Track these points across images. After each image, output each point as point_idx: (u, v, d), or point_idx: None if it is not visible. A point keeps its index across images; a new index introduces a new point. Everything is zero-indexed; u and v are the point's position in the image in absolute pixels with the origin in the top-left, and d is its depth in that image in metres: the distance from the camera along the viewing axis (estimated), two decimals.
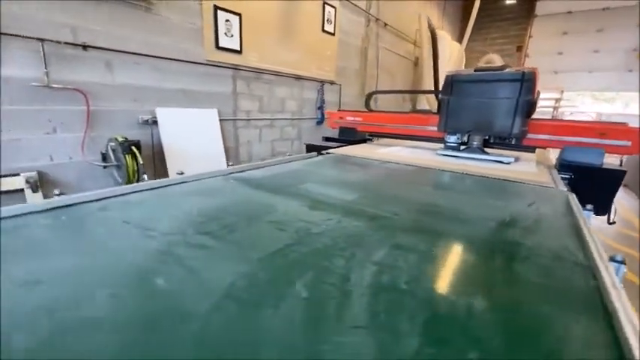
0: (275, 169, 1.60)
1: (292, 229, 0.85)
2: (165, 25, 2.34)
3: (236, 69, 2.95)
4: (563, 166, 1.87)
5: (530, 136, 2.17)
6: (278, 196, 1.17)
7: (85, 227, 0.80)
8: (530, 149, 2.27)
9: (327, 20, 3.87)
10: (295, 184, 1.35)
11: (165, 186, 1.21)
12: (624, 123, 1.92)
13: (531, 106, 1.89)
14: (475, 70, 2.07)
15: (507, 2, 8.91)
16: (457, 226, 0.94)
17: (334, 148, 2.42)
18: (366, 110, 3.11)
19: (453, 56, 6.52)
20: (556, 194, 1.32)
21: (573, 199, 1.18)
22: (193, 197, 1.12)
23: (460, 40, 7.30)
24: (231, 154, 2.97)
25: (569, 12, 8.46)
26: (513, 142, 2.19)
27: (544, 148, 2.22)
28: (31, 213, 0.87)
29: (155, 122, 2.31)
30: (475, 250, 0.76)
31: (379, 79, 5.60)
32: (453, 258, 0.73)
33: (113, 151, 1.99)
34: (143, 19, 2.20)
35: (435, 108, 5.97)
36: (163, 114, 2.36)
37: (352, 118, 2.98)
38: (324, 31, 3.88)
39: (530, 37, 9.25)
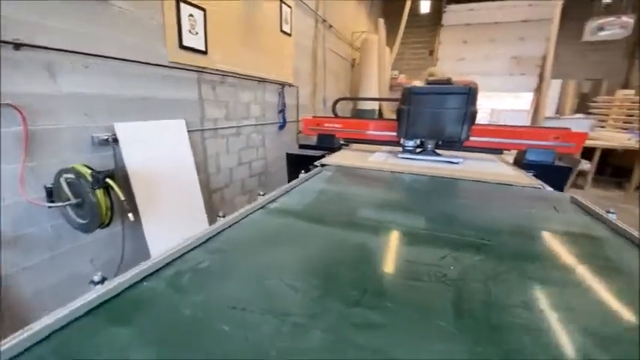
0: (303, 194, 1.48)
1: (426, 277, 0.80)
2: (122, 20, 1.85)
3: (201, 72, 2.56)
4: (526, 164, 2.24)
5: (501, 140, 2.50)
6: (353, 232, 1.09)
7: (198, 327, 0.58)
8: (497, 151, 2.61)
9: (285, 20, 3.68)
10: (348, 212, 1.27)
11: (214, 236, 1.00)
12: (568, 128, 2.38)
13: (474, 115, 2.19)
14: (428, 84, 2.30)
15: (422, 12, 9.99)
16: (545, 245, 1.01)
17: (319, 157, 2.36)
18: (334, 116, 3.10)
19: (384, 59, 7.01)
20: (558, 196, 1.54)
21: (585, 201, 1.39)
22: (269, 249, 0.96)
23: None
24: (200, 168, 2.59)
25: (468, 24, 9.96)
26: (460, 145, 2.45)
27: (508, 150, 2.57)
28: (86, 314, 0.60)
29: (116, 141, 1.82)
30: (598, 272, 0.82)
31: (326, 80, 5.65)
32: (596, 286, 0.77)
33: (69, 184, 1.49)
34: (94, 10, 1.69)
35: (383, 110, 6.30)
36: (124, 130, 1.88)
37: (331, 125, 2.94)
38: (282, 31, 3.68)
39: (439, 43, 10.59)
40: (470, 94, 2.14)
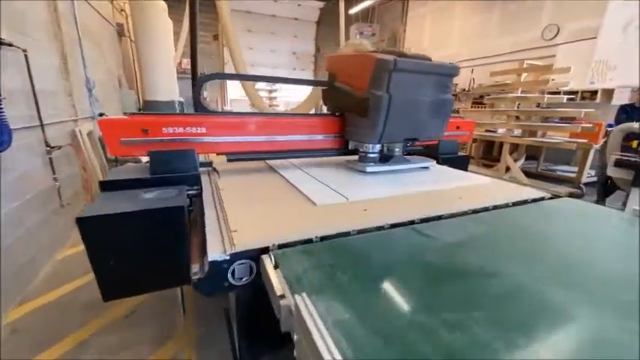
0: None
1: None
2: None
3: None
4: (442, 158, 1.90)
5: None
6: None
7: None
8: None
9: None
10: None
11: None
12: (463, 117, 2.24)
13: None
14: (405, 57, 1.44)
15: None
16: None
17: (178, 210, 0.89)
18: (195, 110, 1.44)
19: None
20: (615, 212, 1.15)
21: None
22: None
23: None
24: None
25: (249, 12, 9.58)
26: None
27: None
28: None
29: None
30: None
31: (85, 49, 3.21)
32: None
33: None
34: None
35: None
36: None
37: (180, 130, 1.32)
38: None
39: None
40: (453, 75, 1.59)
